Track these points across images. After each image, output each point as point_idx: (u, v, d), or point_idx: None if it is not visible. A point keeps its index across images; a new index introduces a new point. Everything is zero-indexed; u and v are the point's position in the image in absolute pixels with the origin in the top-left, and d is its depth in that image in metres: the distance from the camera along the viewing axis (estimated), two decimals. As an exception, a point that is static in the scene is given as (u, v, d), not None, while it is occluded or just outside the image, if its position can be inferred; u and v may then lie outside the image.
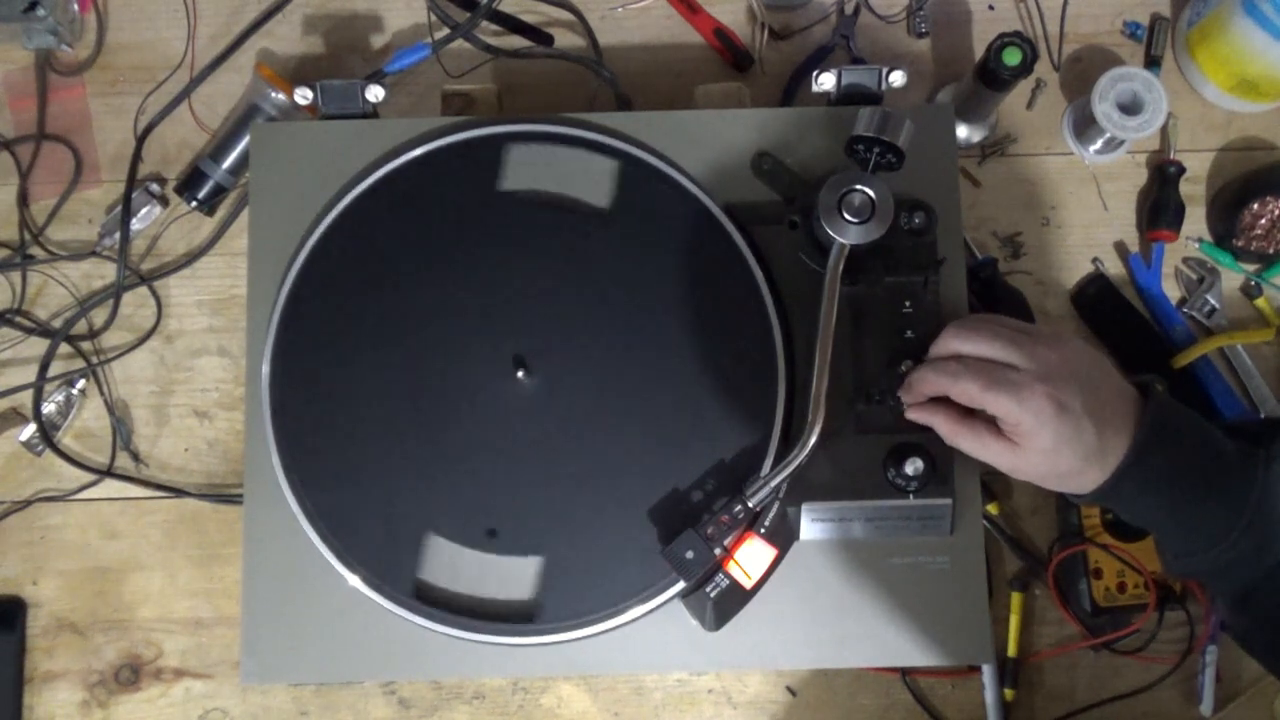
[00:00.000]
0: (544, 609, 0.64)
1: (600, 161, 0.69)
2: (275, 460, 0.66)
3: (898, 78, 0.70)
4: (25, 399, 0.79)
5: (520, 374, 0.66)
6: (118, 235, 0.80)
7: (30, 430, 0.79)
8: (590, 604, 0.64)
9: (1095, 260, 0.82)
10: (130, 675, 0.77)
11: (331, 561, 0.65)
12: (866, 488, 0.65)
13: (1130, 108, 0.78)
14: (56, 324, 0.81)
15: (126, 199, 0.80)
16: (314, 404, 0.66)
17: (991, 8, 0.86)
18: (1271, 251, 0.80)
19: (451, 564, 0.65)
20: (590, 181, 0.68)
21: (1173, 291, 0.81)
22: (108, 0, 0.85)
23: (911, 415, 0.63)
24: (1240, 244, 0.80)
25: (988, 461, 0.60)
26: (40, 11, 0.80)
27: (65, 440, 0.80)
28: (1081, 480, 0.58)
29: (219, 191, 0.81)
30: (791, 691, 0.77)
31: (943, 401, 0.62)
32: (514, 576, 0.65)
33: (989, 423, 0.60)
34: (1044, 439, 0.57)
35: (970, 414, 0.61)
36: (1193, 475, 0.58)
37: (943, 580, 0.66)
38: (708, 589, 0.63)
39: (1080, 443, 0.57)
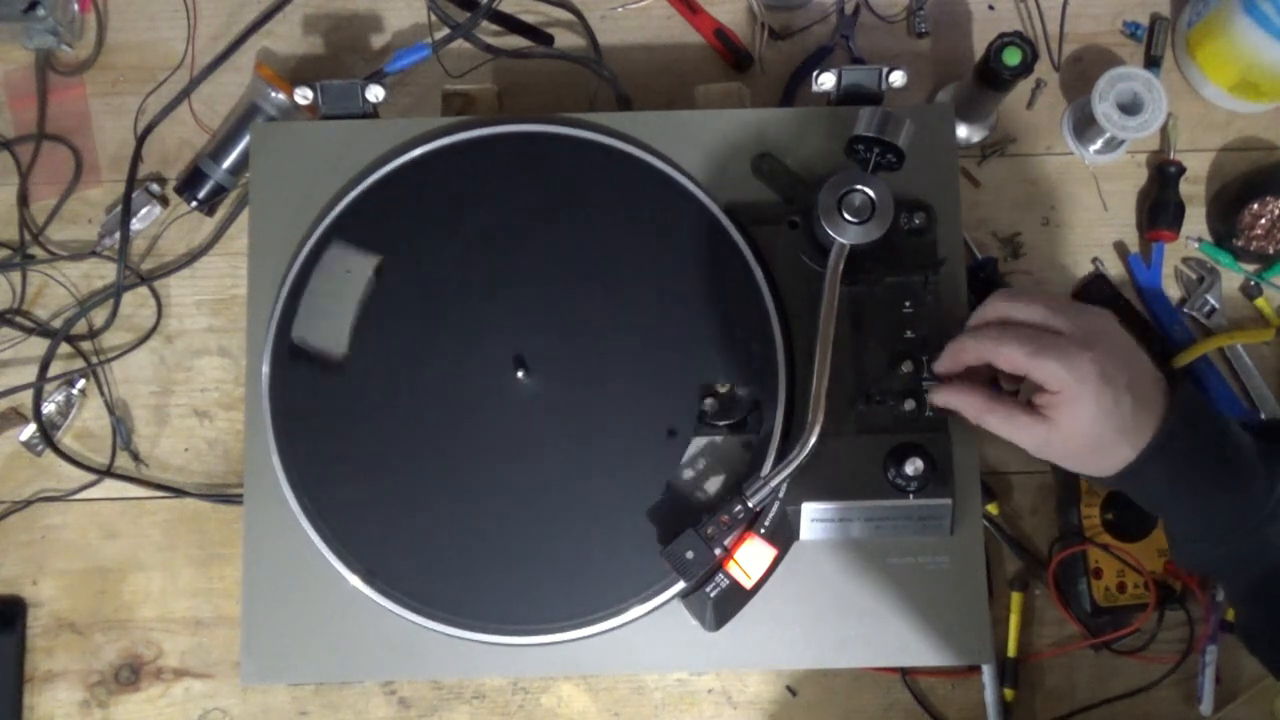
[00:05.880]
0: (545, 609, 0.64)
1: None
2: (275, 460, 0.66)
3: (898, 78, 0.70)
4: (25, 399, 0.79)
5: (520, 374, 0.66)
6: (118, 235, 0.80)
7: (30, 430, 0.79)
8: (590, 604, 0.64)
9: (1095, 260, 0.82)
10: (130, 675, 0.77)
11: (331, 561, 0.65)
12: (866, 488, 0.64)
13: (1130, 108, 0.78)
14: (56, 324, 0.81)
15: (126, 199, 0.80)
16: (314, 404, 0.66)
17: (991, 8, 0.86)
18: (1271, 251, 0.80)
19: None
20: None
21: (1173, 291, 0.81)
22: (108, 0, 0.85)
23: (938, 399, 0.62)
24: (1240, 244, 0.80)
25: (1015, 440, 0.59)
26: (40, 11, 0.80)
27: (65, 440, 0.80)
28: (1110, 457, 0.57)
29: (219, 191, 0.81)
30: (791, 691, 0.77)
31: (967, 382, 0.61)
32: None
33: (1017, 400, 0.59)
34: (1086, 408, 0.55)
35: (997, 394, 0.60)
36: (1218, 461, 0.57)
37: (943, 580, 0.66)
38: (708, 589, 0.63)
39: (1118, 415, 0.56)
